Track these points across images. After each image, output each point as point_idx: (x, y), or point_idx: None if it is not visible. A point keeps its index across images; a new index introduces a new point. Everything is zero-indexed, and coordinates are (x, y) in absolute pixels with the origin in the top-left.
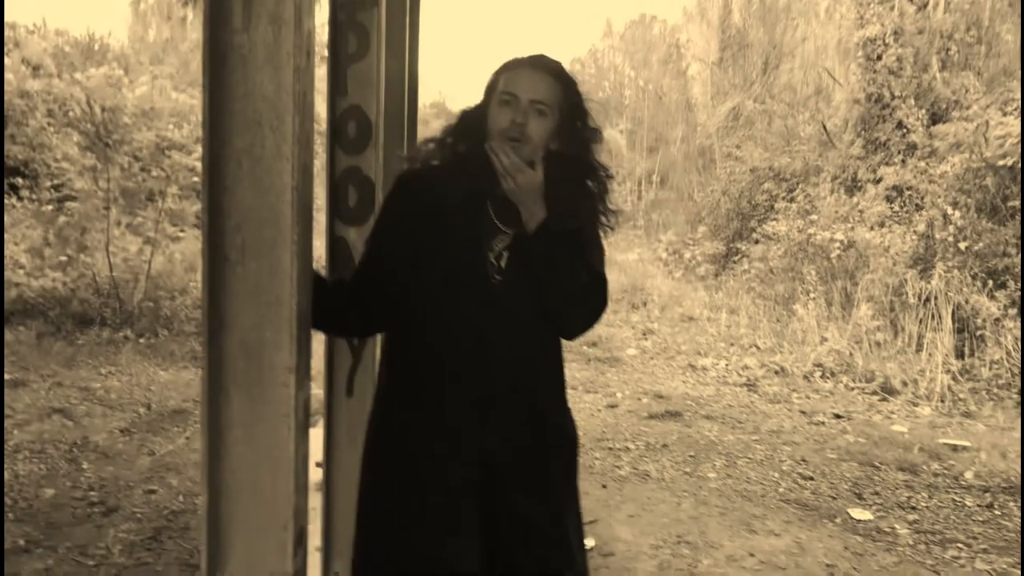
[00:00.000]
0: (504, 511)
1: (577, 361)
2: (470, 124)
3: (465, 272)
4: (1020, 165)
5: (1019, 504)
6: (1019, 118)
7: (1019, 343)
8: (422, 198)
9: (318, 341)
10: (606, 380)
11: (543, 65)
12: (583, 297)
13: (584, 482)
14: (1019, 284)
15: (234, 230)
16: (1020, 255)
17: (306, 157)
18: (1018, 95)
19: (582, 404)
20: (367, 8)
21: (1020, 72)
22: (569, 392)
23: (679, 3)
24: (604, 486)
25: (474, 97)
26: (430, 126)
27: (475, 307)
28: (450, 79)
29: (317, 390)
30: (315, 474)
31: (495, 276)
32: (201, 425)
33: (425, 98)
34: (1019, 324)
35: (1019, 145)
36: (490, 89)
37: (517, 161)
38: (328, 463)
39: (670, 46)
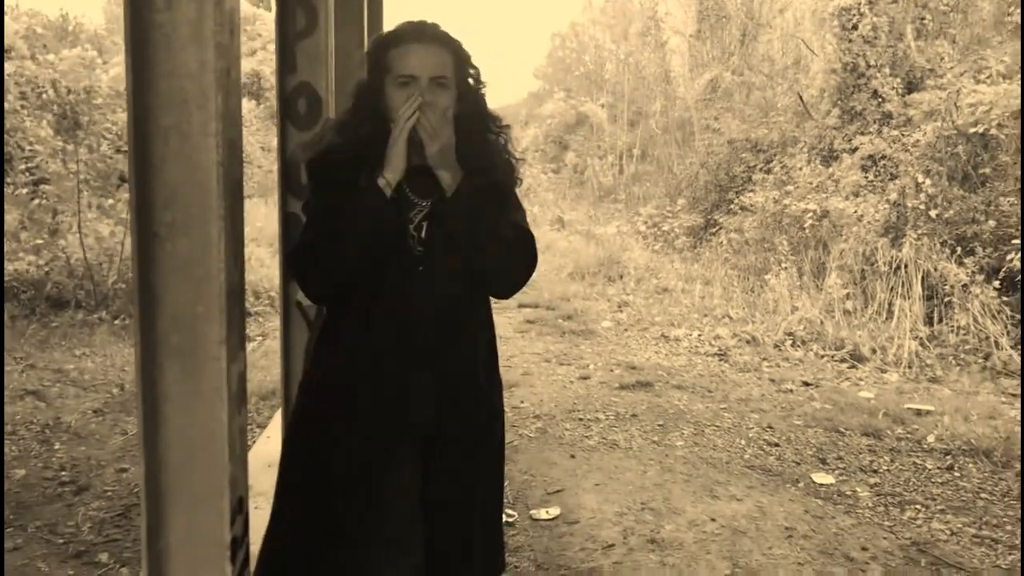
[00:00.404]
0: (432, 485)
1: (552, 334)
2: (367, 105)
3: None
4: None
5: (978, 466)
6: (992, 85)
7: (989, 310)
8: (334, 181)
9: (267, 314)
10: (579, 352)
11: (431, 37)
12: (510, 253)
13: (553, 453)
14: (987, 251)
15: (163, 207)
16: (1021, 244)
17: (233, 133)
18: (991, 63)
19: (555, 376)
20: None
21: (1020, 61)
22: (543, 365)
23: None
24: (572, 456)
25: None
26: None
27: (399, 280)
28: None
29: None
30: None
31: (416, 248)
32: (137, 399)
33: None
34: (985, 291)
35: (990, 112)
36: (379, 67)
37: (435, 123)
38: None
39: (648, 19)
